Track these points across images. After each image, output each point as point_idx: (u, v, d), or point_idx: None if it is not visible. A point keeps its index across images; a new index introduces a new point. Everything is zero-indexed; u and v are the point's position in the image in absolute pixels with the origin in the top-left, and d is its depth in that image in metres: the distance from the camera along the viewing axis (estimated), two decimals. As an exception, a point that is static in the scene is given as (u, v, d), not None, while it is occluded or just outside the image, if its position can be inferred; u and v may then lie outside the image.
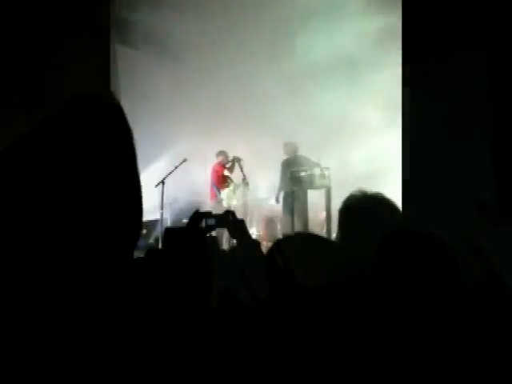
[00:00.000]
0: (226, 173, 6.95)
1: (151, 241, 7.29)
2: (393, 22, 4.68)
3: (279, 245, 1.03)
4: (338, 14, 6.52)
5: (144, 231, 7.51)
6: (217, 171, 7.04)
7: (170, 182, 6.30)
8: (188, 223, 1.48)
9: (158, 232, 6.35)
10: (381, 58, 6.01)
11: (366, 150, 6.27)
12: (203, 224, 1.62)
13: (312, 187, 5.85)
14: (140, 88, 6.90)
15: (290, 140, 6.72)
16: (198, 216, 1.55)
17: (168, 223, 7.29)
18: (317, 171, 5.76)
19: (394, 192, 2.00)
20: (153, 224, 7.42)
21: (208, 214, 1.64)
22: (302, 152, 6.59)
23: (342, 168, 5.99)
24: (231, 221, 1.65)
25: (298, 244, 1.02)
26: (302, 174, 5.92)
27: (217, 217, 1.67)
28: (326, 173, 5.86)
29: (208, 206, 7.71)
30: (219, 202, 7.00)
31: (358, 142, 6.29)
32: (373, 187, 1.52)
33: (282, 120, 6.89)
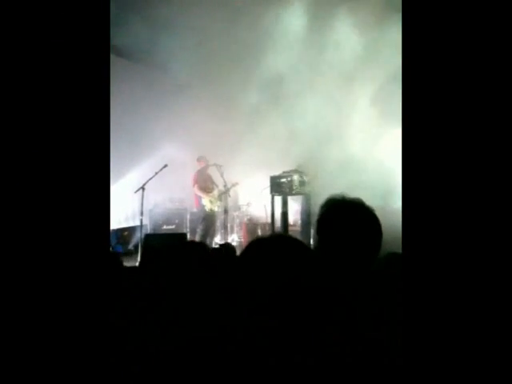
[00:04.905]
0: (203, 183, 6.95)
1: (131, 247, 7.24)
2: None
3: (255, 243, 1.06)
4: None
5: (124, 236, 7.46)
6: (197, 178, 7.05)
7: (150, 188, 6.27)
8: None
9: (138, 238, 6.30)
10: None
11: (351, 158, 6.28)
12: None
13: (291, 194, 5.90)
14: (122, 94, 6.87)
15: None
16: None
17: (148, 229, 7.26)
18: (296, 177, 5.81)
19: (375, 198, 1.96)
20: (133, 230, 7.37)
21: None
22: (287, 160, 6.56)
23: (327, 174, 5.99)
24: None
25: (274, 244, 1.05)
26: (282, 180, 5.97)
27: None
28: (306, 179, 5.92)
29: (190, 212, 7.72)
30: (202, 208, 7.00)
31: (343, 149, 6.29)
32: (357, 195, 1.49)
33: (266, 126, 6.94)
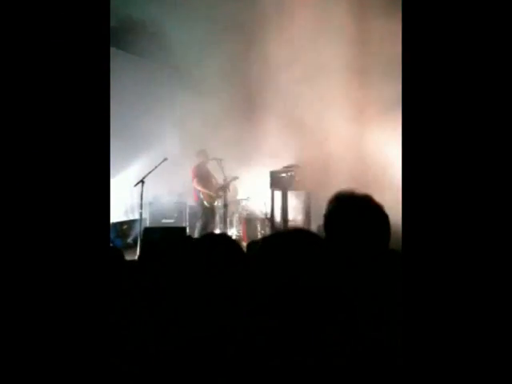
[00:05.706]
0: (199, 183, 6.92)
1: (130, 240, 7.24)
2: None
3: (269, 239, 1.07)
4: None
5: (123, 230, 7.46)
6: (196, 172, 7.04)
7: (149, 181, 6.26)
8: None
9: (137, 232, 6.29)
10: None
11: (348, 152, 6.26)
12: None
13: (291, 189, 5.90)
14: (121, 87, 6.85)
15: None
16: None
17: (147, 223, 7.25)
18: (296, 173, 5.81)
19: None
20: (132, 224, 7.37)
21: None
22: (284, 155, 6.56)
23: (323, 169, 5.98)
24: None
25: (293, 238, 1.05)
26: (282, 175, 5.97)
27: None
28: (306, 174, 5.91)
29: (189, 206, 7.72)
30: (201, 202, 7.00)
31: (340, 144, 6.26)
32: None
33: (264, 119, 6.92)
